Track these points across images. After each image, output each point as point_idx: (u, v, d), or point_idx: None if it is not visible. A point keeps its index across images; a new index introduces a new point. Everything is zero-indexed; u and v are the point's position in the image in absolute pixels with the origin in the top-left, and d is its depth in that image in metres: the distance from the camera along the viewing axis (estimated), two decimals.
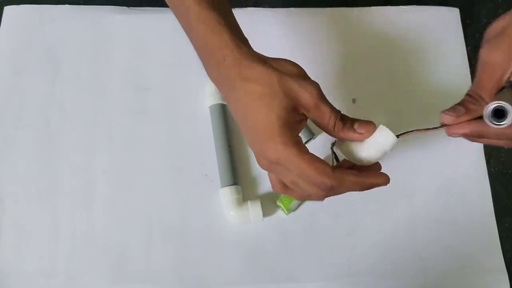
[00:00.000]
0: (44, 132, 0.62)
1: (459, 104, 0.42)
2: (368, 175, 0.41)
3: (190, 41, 0.44)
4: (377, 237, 0.60)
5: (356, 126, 0.41)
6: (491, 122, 0.39)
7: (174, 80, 0.65)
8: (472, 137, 0.42)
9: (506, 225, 0.61)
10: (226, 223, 0.59)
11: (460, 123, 0.41)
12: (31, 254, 0.57)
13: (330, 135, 0.42)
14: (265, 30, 0.67)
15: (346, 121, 0.41)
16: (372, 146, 0.41)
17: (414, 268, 0.59)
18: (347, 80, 0.66)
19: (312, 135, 0.61)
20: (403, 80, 0.66)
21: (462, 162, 0.63)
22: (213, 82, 0.44)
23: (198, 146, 0.62)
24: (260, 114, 0.38)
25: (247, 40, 0.43)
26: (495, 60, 0.41)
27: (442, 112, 0.42)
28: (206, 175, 0.61)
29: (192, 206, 0.60)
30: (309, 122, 0.54)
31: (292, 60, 0.42)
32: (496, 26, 0.42)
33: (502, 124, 0.38)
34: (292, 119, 0.39)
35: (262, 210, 0.58)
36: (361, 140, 0.41)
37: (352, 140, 0.41)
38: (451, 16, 0.70)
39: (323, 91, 0.41)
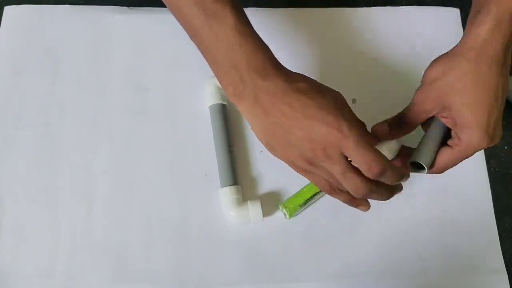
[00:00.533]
0: (44, 132, 0.62)
1: (388, 121, 0.49)
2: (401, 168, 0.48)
3: (212, 57, 0.45)
4: (377, 236, 0.60)
5: None
6: (412, 171, 0.49)
7: (174, 80, 0.65)
8: None
9: (506, 225, 0.61)
10: (226, 223, 0.59)
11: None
12: (30, 254, 0.57)
13: None
14: (265, 30, 0.66)
15: None
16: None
17: (414, 268, 0.59)
18: (347, 80, 0.66)
19: None
20: (403, 80, 0.66)
21: (462, 162, 0.63)
22: (236, 99, 0.45)
23: (198, 146, 0.62)
24: (319, 103, 0.43)
25: None
26: (425, 106, 0.48)
27: (373, 127, 0.49)
28: (206, 175, 0.61)
29: (192, 206, 0.60)
30: None
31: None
32: (432, 73, 0.48)
33: (421, 172, 0.49)
34: None
35: (262, 210, 0.58)
36: None
37: None
38: (451, 16, 0.70)
39: None
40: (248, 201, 0.58)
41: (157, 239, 0.58)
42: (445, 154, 0.48)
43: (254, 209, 0.58)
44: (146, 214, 0.59)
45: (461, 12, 0.70)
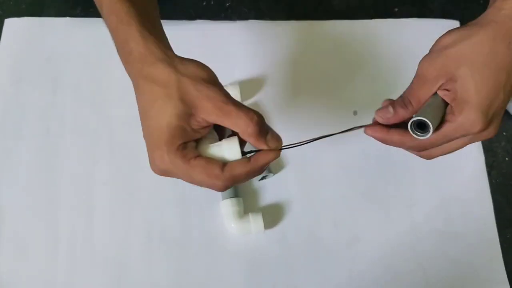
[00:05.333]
0: (44, 143, 0.62)
1: (392, 104, 0.44)
2: (258, 157, 0.40)
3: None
4: (378, 248, 0.60)
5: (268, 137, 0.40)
6: (413, 133, 0.41)
7: None
8: (386, 143, 0.45)
9: (508, 236, 0.61)
10: (227, 235, 0.59)
11: (378, 127, 0.44)
12: (30, 265, 0.57)
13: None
14: (266, 43, 0.67)
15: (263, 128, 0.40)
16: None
17: (415, 279, 0.58)
18: (348, 92, 0.66)
19: (268, 173, 0.60)
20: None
21: (464, 173, 0.63)
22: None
23: None
24: (152, 120, 0.38)
25: (164, 38, 0.42)
26: (428, 74, 0.43)
27: (377, 111, 0.44)
28: None
29: (193, 218, 0.60)
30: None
31: (203, 63, 0.40)
32: (444, 40, 0.43)
33: (423, 136, 0.41)
34: (187, 126, 0.38)
35: (264, 222, 0.57)
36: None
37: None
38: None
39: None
40: (250, 213, 0.58)
41: (158, 250, 0.58)
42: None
43: (255, 221, 0.57)
44: (146, 226, 0.59)
45: (461, 24, 0.70)
